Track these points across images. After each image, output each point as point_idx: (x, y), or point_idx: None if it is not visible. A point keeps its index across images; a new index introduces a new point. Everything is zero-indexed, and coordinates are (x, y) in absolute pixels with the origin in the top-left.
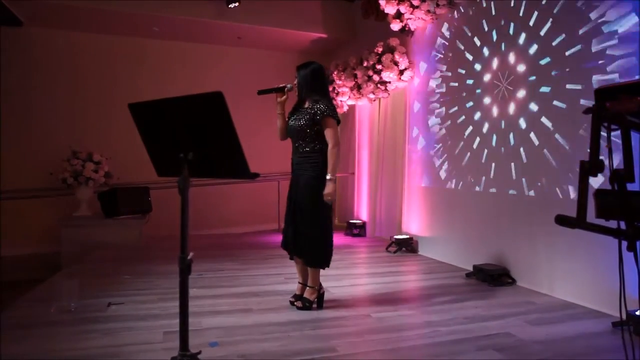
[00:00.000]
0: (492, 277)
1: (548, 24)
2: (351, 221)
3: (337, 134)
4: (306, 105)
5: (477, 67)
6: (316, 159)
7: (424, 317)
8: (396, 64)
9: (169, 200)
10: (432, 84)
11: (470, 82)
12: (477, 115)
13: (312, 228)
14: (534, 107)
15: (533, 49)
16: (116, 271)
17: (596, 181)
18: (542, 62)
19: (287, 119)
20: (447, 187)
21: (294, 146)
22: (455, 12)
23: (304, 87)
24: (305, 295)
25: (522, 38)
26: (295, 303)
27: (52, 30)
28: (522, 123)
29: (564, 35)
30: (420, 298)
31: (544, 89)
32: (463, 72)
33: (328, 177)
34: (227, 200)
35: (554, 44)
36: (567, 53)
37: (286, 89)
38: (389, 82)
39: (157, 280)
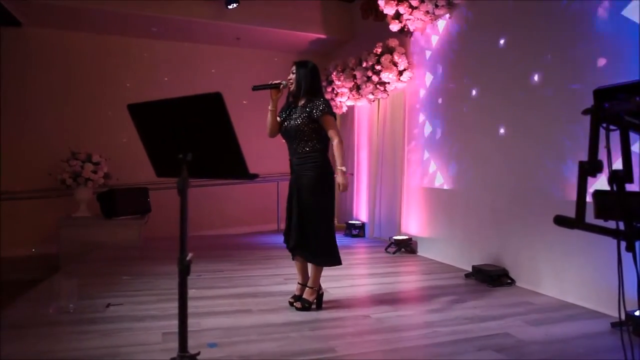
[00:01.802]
0: (491, 278)
1: (549, 24)
2: (350, 222)
3: (338, 129)
4: (301, 104)
5: (477, 67)
6: (317, 158)
7: (424, 317)
8: (395, 64)
9: (168, 201)
10: (432, 84)
11: (469, 82)
12: (477, 116)
13: (320, 228)
14: (534, 107)
15: (534, 48)
16: (115, 272)
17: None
18: (543, 61)
19: (278, 117)
20: (446, 188)
21: (291, 147)
22: (455, 13)
23: (303, 84)
24: (305, 296)
25: (522, 37)
26: (294, 304)
27: (51, 30)
28: (522, 123)
29: (566, 34)
30: (419, 299)
31: (545, 89)
32: (462, 72)
33: (341, 168)
34: (226, 201)
35: (555, 42)
36: (569, 52)
37: (281, 86)
38: (388, 83)
39: (156, 281)
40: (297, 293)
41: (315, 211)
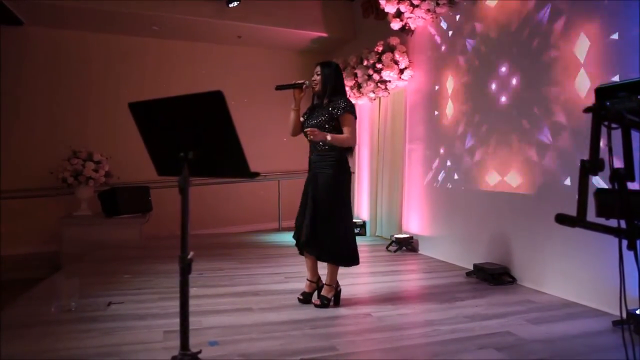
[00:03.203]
0: (492, 276)
1: (550, 21)
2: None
3: (355, 130)
4: (325, 103)
5: (477, 67)
6: (334, 157)
7: (424, 316)
8: (396, 63)
9: (169, 200)
10: (432, 83)
11: (470, 81)
12: (477, 115)
13: (335, 227)
14: (534, 106)
15: (535, 46)
16: (116, 270)
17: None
18: (545, 59)
19: (301, 117)
20: (447, 186)
21: (312, 144)
22: (456, 11)
23: (328, 85)
24: (323, 293)
25: (523, 36)
26: (313, 302)
27: (52, 29)
28: (523, 122)
29: (567, 32)
30: (420, 297)
31: (546, 87)
32: (463, 71)
33: (328, 136)
34: (228, 200)
35: (556, 40)
36: (572, 50)
37: (305, 85)
38: (389, 81)
39: (157, 280)
40: (306, 290)
41: (331, 210)
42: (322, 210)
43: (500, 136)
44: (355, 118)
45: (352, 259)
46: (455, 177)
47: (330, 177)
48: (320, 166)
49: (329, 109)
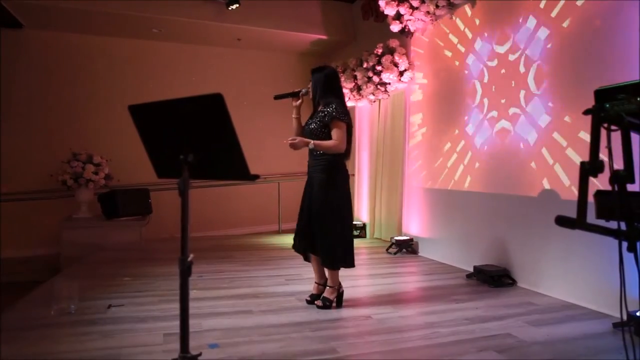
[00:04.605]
0: (493, 278)
1: (546, 27)
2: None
3: (343, 136)
4: (319, 108)
5: (477, 68)
6: (328, 161)
7: (425, 318)
8: (396, 65)
9: (169, 202)
10: (432, 85)
11: (469, 82)
12: (477, 116)
13: (328, 229)
14: (532, 107)
15: (531, 50)
16: (116, 273)
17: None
18: (540, 63)
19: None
20: (447, 188)
21: (309, 148)
22: (455, 13)
23: (317, 90)
24: (325, 294)
25: (520, 40)
26: (315, 302)
27: (52, 32)
28: (522, 123)
29: (560, 38)
30: (420, 299)
31: (545, 88)
32: (463, 73)
33: (311, 144)
34: (227, 202)
35: (549, 46)
36: (570, 52)
37: (301, 93)
38: (389, 84)
39: (157, 282)
40: (313, 292)
41: (324, 212)
42: (316, 212)
43: (500, 137)
44: (345, 123)
45: (345, 261)
46: (455, 178)
47: (322, 180)
48: (315, 170)
49: (321, 115)
